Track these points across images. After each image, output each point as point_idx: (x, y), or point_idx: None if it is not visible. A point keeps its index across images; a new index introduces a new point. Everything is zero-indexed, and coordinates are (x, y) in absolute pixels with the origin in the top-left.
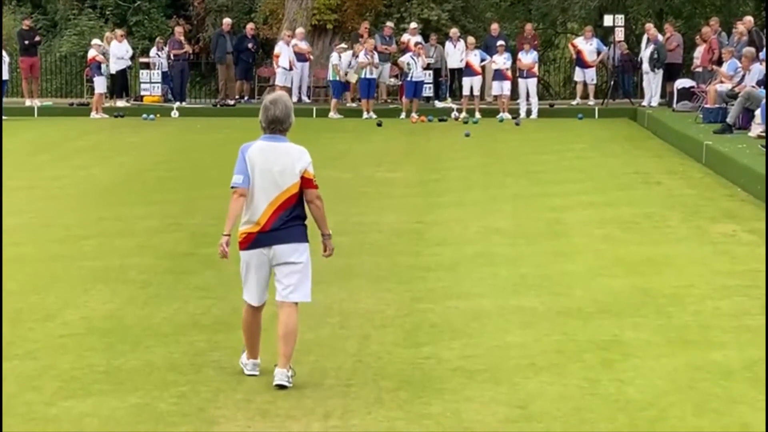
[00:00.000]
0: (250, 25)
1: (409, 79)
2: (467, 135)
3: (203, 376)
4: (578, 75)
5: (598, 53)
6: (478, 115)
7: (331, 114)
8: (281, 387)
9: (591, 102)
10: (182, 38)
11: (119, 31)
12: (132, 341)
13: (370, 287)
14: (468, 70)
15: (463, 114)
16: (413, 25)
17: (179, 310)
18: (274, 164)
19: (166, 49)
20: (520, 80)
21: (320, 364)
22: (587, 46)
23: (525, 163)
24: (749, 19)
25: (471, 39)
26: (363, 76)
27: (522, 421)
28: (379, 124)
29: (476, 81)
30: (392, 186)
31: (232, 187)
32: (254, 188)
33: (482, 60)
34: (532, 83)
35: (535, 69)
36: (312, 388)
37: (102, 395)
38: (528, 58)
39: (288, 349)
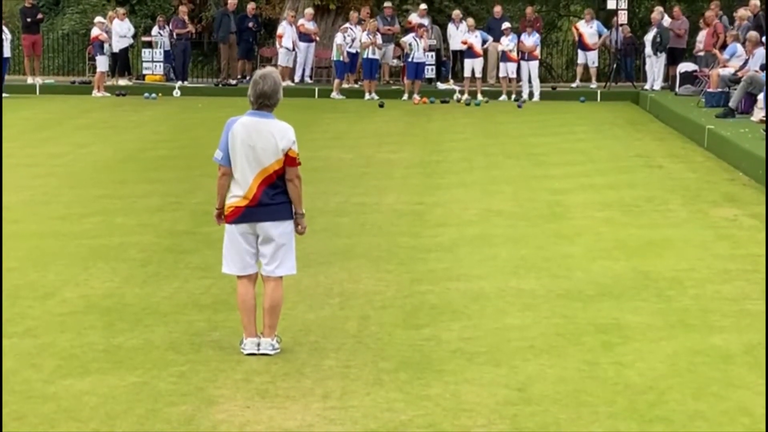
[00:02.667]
0: (251, 5)
1: (410, 60)
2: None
3: (202, 355)
4: (580, 58)
5: (599, 36)
6: (480, 97)
7: (334, 94)
8: (267, 355)
9: (593, 85)
10: (186, 17)
11: (121, 10)
12: (131, 320)
13: (371, 268)
14: (469, 52)
15: (465, 96)
16: (423, 6)
17: (179, 289)
18: (257, 141)
19: (168, 27)
20: (522, 63)
21: (320, 344)
22: (587, 29)
23: (526, 145)
24: (755, 2)
25: (471, 20)
26: (366, 56)
27: (521, 403)
28: (381, 105)
29: (477, 63)
30: (393, 167)
31: (214, 161)
32: (238, 163)
33: (484, 41)
34: (533, 66)
35: (537, 52)
36: (311, 368)
37: (101, 373)
38: (529, 40)
39: (273, 320)
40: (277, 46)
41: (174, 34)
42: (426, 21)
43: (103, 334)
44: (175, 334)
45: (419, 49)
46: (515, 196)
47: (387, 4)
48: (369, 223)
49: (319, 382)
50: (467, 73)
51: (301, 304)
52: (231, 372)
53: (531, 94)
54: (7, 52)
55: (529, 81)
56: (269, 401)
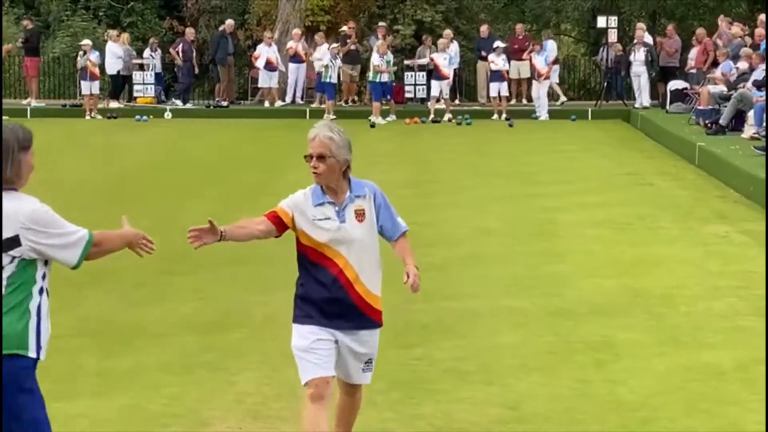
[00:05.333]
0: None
1: (378, 80)
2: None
3: (195, 377)
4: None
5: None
6: (447, 116)
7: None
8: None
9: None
10: (191, 38)
11: (114, 32)
12: (123, 342)
13: None
14: (436, 73)
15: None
16: (381, 23)
17: (171, 311)
18: None
19: (159, 50)
20: (534, 82)
21: None
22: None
23: (517, 164)
24: (762, 18)
25: (442, 40)
26: (378, 79)
27: (514, 421)
28: (372, 126)
29: (444, 84)
30: (384, 186)
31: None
32: None
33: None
34: (544, 86)
35: (546, 70)
36: (302, 390)
37: (93, 396)
38: (539, 61)
39: None
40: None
41: (180, 55)
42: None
43: (96, 356)
44: (168, 355)
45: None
46: (506, 215)
47: (381, 24)
48: None
49: None
50: (434, 93)
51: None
52: (223, 393)
53: (531, 113)
54: None
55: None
56: (261, 422)
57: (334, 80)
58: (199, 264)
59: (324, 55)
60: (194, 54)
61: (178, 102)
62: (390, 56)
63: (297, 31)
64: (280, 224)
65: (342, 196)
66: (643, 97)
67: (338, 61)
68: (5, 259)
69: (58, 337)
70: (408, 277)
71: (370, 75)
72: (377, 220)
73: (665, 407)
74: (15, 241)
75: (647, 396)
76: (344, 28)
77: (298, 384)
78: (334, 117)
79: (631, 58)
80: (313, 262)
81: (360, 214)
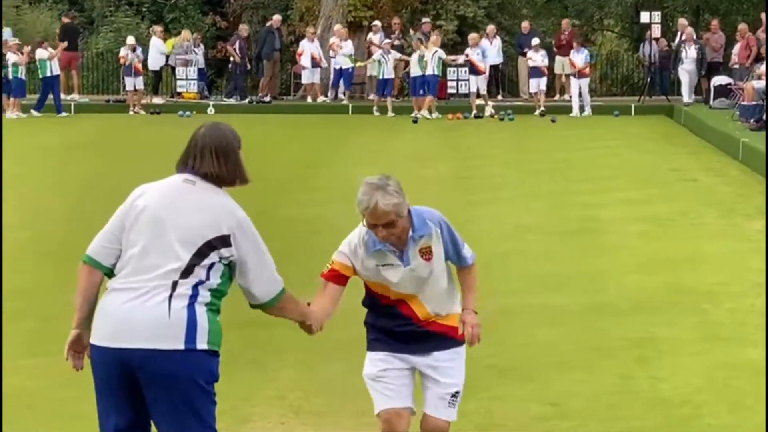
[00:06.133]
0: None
1: (381, 77)
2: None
3: (236, 373)
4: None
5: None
6: (490, 111)
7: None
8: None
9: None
10: (245, 34)
11: (158, 28)
12: None
13: None
14: (472, 68)
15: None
16: (376, 23)
17: None
18: None
19: (202, 45)
20: (572, 79)
21: (351, 362)
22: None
23: (560, 160)
24: None
25: (472, 35)
26: (414, 74)
27: (555, 418)
28: (415, 121)
29: (480, 79)
30: (426, 183)
31: None
32: None
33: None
34: (584, 83)
35: (587, 69)
36: (343, 385)
37: None
38: (579, 57)
39: None
40: (300, 64)
41: (238, 51)
42: (378, 37)
43: None
44: None
45: (389, 65)
46: (548, 211)
47: (426, 20)
48: None
49: (352, 399)
50: (473, 88)
51: (334, 321)
52: (264, 389)
53: (582, 108)
54: (56, 70)
55: (580, 96)
56: (303, 418)
57: (388, 75)
58: None
59: (349, 49)
60: (246, 50)
61: (232, 100)
62: (439, 53)
63: (339, 27)
64: (343, 279)
65: (403, 236)
66: (689, 93)
67: (391, 56)
68: (213, 257)
69: None
70: (464, 324)
71: (417, 69)
72: (444, 254)
73: (708, 404)
74: (226, 242)
75: (690, 393)
76: (376, 22)
77: (339, 380)
78: (378, 114)
79: (682, 55)
80: (380, 299)
81: (426, 253)
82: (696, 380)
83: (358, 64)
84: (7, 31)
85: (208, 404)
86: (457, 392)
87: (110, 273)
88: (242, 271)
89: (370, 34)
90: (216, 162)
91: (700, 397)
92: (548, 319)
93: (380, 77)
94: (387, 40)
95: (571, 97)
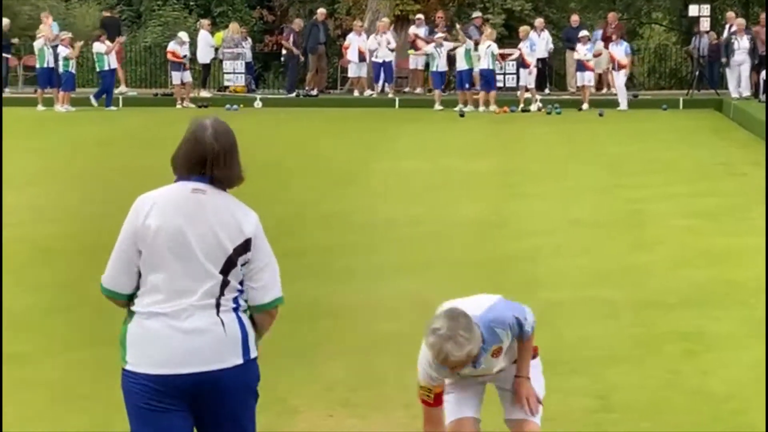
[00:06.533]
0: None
1: (435, 69)
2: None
3: (284, 365)
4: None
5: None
6: (537, 105)
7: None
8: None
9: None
10: (298, 29)
11: (206, 21)
12: None
13: (450, 277)
14: (520, 61)
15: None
16: (419, 16)
17: None
18: None
19: (249, 39)
20: (614, 72)
21: (400, 354)
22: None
23: (607, 154)
24: None
25: (523, 28)
26: (469, 67)
27: (602, 411)
28: (462, 115)
29: (527, 73)
30: (473, 176)
31: None
32: None
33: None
34: (619, 75)
35: (626, 61)
36: (392, 378)
37: None
38: (618, 50)
39: None
40: (346, 58)
41: (290, 45)
42: (422, 30)
43: None
44: None
45: (442, 58)
46: (595, 205)
47: (477, 14)
48: (448, 233)
49: (401, 392)
50: (521, 82)
51: (380, 314)
52: (312, 382)
53: (616, 103)
54: (113, 64)
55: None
56: (351, 411)
57: (442, 69)
58: (287, 252)
59: (389, 42)
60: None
61: (287, 93)
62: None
63: (386, 20)
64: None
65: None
66: (743, 86)
67: (443, 49)
68: (239, 263)
69: None
70: (518, 395)
71: (464, 63)
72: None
73: (756, 398)
74: (247, 247)
75: (738, 387)
76: (419, 15)
77: (387, 372)
78: (441, 108)
79: (734, 47)
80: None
81: (497, 353)
82: (744, 374)
83: (410, 52)
84: (54, 25)
85: (255, 404)
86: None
87: (132, 297)
88: (255, 270)
89: (412, 27)
90: (229, 166)
91: (748, 391)
92: (596, 313)
93: (434, 70)
94: (440, 34)
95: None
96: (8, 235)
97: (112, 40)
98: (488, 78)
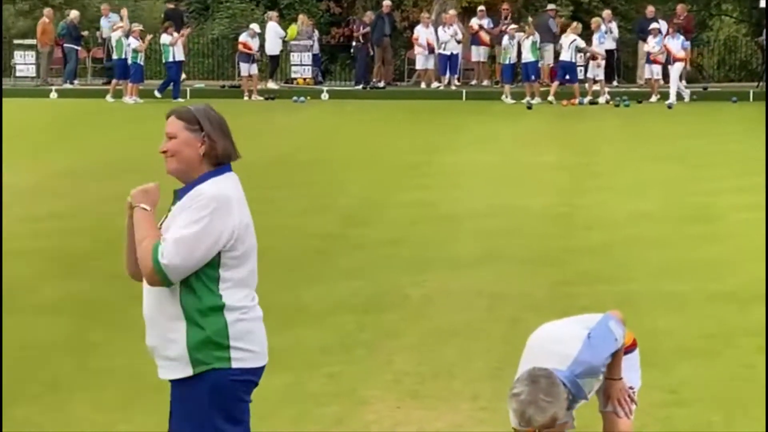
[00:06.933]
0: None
1: (507, 62)
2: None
3: (353, 356)
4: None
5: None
6: (605, 97)
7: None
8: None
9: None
10: (369, 20)
11: (274, 13)
12: (281, 321)
13: (520, 270)
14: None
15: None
16: (481, 8)
17: (329, 292)
18: None
19: (317, 31)
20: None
21: (469, 346)
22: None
23: (676, 147)
24: None
25: (595, 19)
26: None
27: (673, 405)
28: (529, 107)
29: (597, 65)
30: (541, 169)
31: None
32: None
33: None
34: (674, 69)
35: (682, 54)
36: (461, 370)
37: None
38: (674, 43)
39: None
40: (414, 50)
41: (360, 37)
42: (485, 21)
43: None
44: (326, 335)
45: (514, 50)
46: (665, 198)
47: (551, 6)
48: (517, 225)
49: (469, 384)
50: (590, 74)
51: (450, 305)
52: (381, 373)
53: (679, 96)
54: (180, 55)
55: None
56: (419, 402)
57: (514, 61)
58: (356, 245)
59: (455, 33)
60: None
61: (359, 87)
62: (578, 41)
63: (452, 12)
64: None
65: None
66: None
67: (514, 41)
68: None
69: None
70: (608, 399)
71: (530, 55)
72: None
73: None
74: None
75: None
76: (481, 7)
77: (456, 364)
78: (513, 101)
79: None
80: None
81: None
82: None
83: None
84: (114, 16)
85: None
86: (632, 387)
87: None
88: None
89: (474, 20)
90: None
91: None
92: (668, 306)
93: (506, 63)
94: (513, 25)
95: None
96: (93, 225)
97: (177, 32)
98: (569, 70)
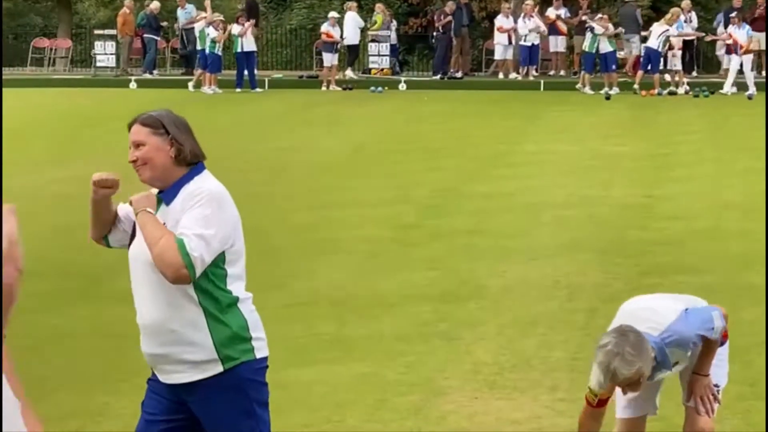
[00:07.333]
0: None
1: (591, 51)
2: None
3: (430, 346)
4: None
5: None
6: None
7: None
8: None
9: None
10: (451, 11)
11: (353, 3)
12: (359, 311)
13: (598, 261)
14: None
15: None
16: None
17: (406, 281)
18: None
19: (395, 21)
20: (732, 56)
21: (547, 337)
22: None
23: (757, 138)
24: None
25: (675, 9)
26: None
27: (753, 398)
28: (607, 98)
29: (676, 56)
30: (620, 159)
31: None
32: None
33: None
34: (736, 60)
35: (747, 45)
36: (539, 360)
37: (330, 363)
38: (739, 33)
39: None
40: (495, 41)
41: (439, 27)
42: (562, 11)
43: (332, 324)
44: (403, 324)
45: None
46: (747, 189)
47: None
48: (596, 215)
49: (547, 374)
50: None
51: (528, 296)
52: (459, 363)
53: (746, 86)
54: (251, 46)
55: (741, 72)
56: (497, 392)
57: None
58: (434, 234)
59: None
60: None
61: (436, 77)
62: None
63: (530, 2)
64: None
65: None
66: None
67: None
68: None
69: (294, 306)
70: (692, 395)
71: (608, 46)
72: None
73: None
74: None
75: None
76: None
77: (535, 354)
78: (592, 92)
79: None
80: None
81: (675, 365)
82: None
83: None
84: (189, 7)
85: None
86: (717, 385)
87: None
88: None
89: (551, 9)
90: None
91: None
92: (748, 299)
93: (590, 52)
94: (600, 15)
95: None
96: None
97: (256, 23)
98: (653, 59)
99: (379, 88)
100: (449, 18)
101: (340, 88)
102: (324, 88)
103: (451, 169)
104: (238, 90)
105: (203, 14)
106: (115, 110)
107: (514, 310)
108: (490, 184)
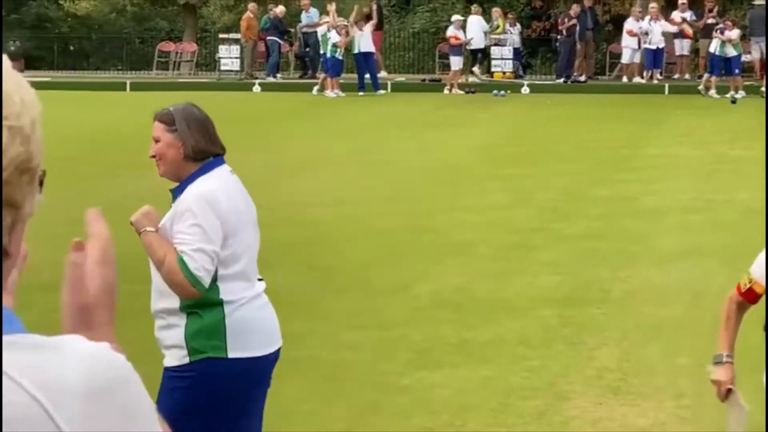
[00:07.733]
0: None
1: (719, 54)
2: None
3: (553, 350)
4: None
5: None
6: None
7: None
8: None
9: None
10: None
11: (478, 8)
12: (482, 314)
13: (723, 266)
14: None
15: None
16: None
17: (529, 285)
18: None
19: (518, 25)
20: None
21: (672, 342)
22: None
23: None
24: None
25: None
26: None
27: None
28: (733, 101)
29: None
30: (747, 163)
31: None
32: None
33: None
34: None
35: None
36: (664, 366)
37: (453, 367)
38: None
39: None
40: (622, 44)
41: (564, 31)
42: (688, 14)
43: (455, 328)
44: (526, 329)
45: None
46: None
47: (759, 1)
48: (721, 220)
49: (672, 381)
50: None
51: (653, 301)
52: (582, 368)
53: None
54: (369, 47)
55: None
56: (621, 398)
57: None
58: (557, 238)
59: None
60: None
61: (560, 80)
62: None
63: (655, 5)
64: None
65: None
66: None
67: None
68: None
69: (417, 309)
70: None
71: (733, 50)
72: None
73: None
74: None
75: None
76: (683, 0)
77: (659, 360)
78: (718, 96)
79: None
80: None
81: None
82: None
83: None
84: (313, 11)
85: None
86: None
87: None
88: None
89: (676, 13)
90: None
91: None
92: None
93: (718, 54)
94: (728, 22)
95: None
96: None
97: (377, 25)
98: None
99: (502, 92)
100: (573, 21)
101: (462, 92)
102: (447, 92)
103: (574, 173)
104: (361, 93)
105: (326, 18)
106: (239, 113)
107: (637, 315)
108: (613, 187)
